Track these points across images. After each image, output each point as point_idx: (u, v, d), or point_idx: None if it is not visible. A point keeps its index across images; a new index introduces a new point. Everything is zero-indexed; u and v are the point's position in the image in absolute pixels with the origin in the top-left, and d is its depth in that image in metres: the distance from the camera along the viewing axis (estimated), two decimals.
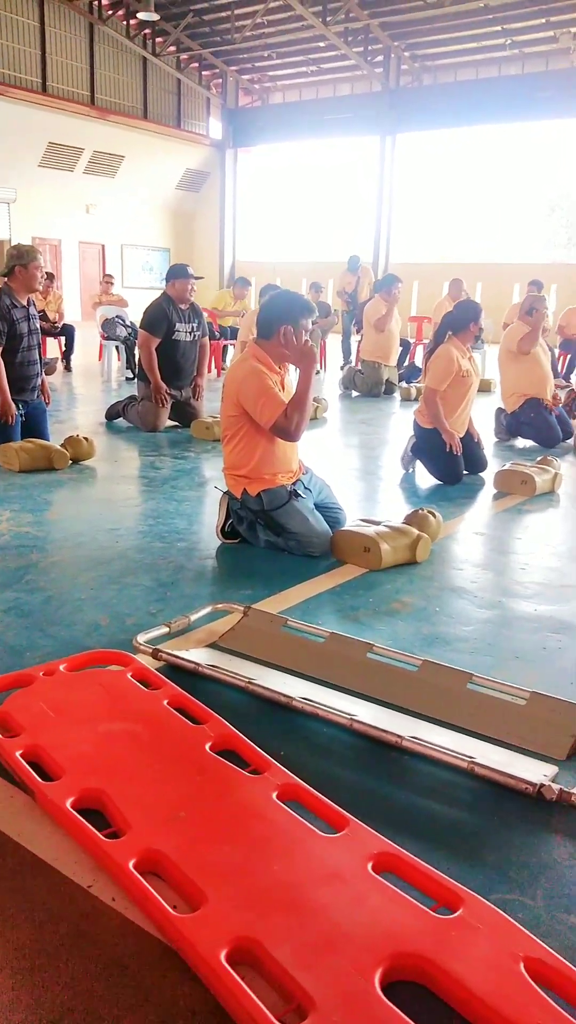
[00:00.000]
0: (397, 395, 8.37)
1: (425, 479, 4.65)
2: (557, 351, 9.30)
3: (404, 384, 8.57)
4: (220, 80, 21.64)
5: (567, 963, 1.21)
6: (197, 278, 5.94)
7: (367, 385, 8.35)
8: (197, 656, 2.19)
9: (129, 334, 9.10)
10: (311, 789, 1.59)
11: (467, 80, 18.40)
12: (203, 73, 21.16)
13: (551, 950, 1.23)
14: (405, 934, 1.26)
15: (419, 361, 9.88)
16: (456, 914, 1.30)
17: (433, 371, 4.57)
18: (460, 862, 1.50)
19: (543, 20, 15.90)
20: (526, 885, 1.44)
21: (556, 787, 1.64)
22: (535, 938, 1.25)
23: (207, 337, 6.11)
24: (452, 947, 1.23)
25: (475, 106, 17.70)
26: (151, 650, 2.17)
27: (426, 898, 1.35)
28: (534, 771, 1.71)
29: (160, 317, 5.73)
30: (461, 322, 4.62)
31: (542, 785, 1.63)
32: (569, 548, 3.50)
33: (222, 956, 1.19)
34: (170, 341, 5.77)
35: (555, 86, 16.74)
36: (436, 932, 1.26)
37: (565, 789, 1.64)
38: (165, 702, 1.89)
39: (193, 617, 2.45)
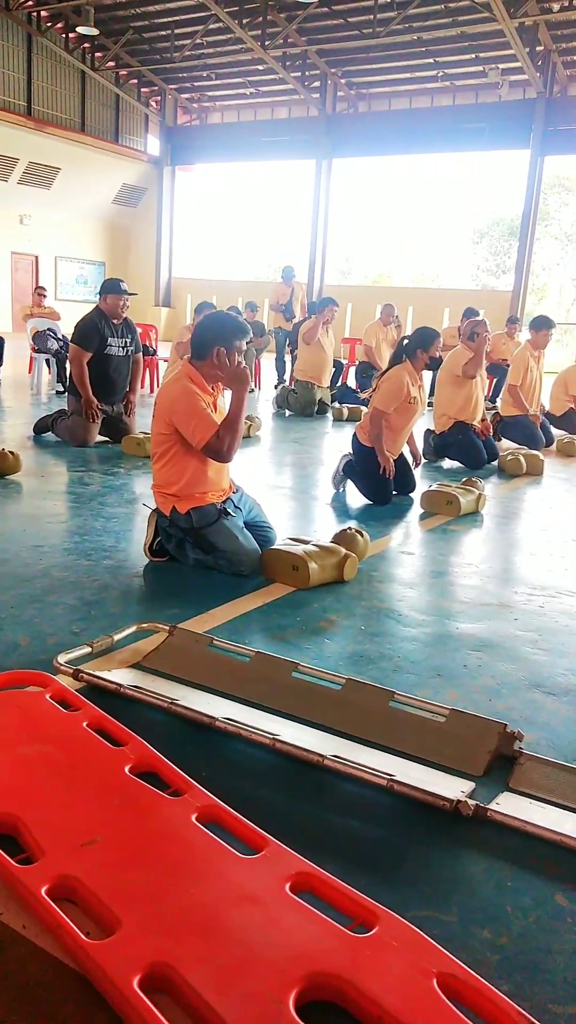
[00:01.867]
0: (330, 415, 8.47)
1: (355, 498, 4.71)
2: (485, 374, 9.56)
3: (336, 404, 8.69)
4: (159, 97, 21.69)
5: (478, 977, 1.23)
6: (131, 294, 5.91)
7: (300, 405, 8.44)
8: (119, 676, 2.16)
9: (60, 347, 8.97)
10: (231, 810, 1.59)
11: (401, 109, 18.93)
12: (142, 90, 21.19)
13: (464, 965, 1.25)
14: (320, 954, 1.26)
15: (352, 382, 10.03)
16: (372, 932, 1.31)
17: (383, 392, 4.59)
18: (378, 880, 1.51)
19: (473, 56, 16.52)
20: (441, 901, 1.47)
21: (472, 803, 1.67)
22: (448, 954, 1.27)
23: (140, 353, 6.09)
24: (366, 965, 1.24)
25: (408, 135, 18.21)
26: (72, 670, 2.13)
27: (343, 917, 1.36)
28: (452, 787, 1.74)
29: (92, 331, 5.68)
30: (411, 347, 4.66)
31: (459, 801, 1.66)
32: (492, 567, 3.59)
33: (135, 982, 1.18)
34: (102, 356, 5.72)
35: (484, 118, 17.37)
36: (351, 951, 1.27)
37: (481, 805, 1.68)
38: (84, 724, 1.85)
39: (117, 637, 2.42)
